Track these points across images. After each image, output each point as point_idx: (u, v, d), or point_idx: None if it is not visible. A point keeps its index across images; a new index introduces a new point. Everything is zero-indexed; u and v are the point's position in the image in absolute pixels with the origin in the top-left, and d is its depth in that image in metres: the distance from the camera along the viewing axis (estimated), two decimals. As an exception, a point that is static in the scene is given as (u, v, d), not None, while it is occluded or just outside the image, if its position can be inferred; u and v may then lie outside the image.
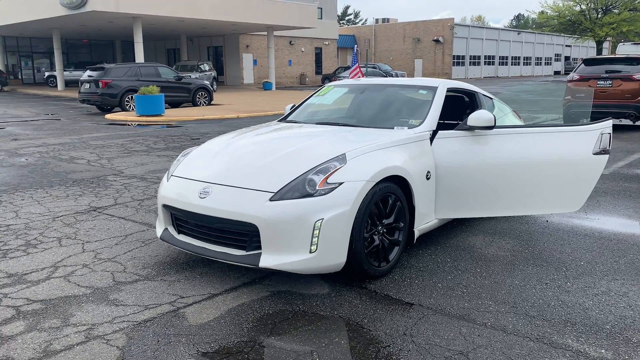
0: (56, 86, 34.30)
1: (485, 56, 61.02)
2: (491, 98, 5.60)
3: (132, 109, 18.46)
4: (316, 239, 3.44)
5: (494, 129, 4.34)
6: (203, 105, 21.05)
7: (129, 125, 15.43)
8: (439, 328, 3.17)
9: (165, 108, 19.06)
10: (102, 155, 9.80)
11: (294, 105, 5.67)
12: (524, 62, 68.56)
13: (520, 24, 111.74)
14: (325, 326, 3.20)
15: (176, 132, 13.52)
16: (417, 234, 4.23)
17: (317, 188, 3.53)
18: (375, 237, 3.82)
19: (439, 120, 5.50)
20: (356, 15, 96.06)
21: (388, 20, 62.22)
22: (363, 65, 29.29)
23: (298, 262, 3.46)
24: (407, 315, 3.33)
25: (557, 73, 72.42)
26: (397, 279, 3.89)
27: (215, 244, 3.78)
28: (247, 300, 3.56)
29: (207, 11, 27.40)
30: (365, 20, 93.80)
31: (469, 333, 3.11)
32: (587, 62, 13.15)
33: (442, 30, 54.79)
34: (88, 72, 19.40)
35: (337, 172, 3.62)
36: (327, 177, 3.58)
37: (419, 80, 5.15)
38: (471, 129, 4.35)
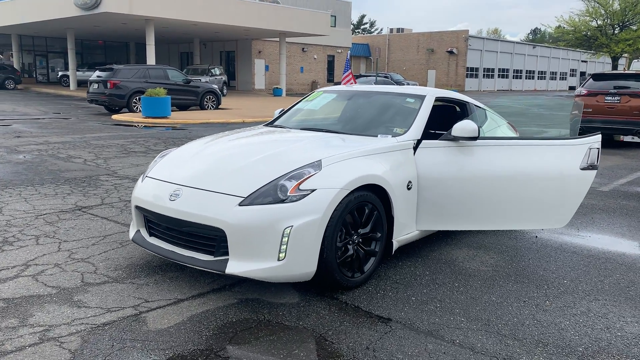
0: (69, 86, 34.59)
1: (499, 69, 60.73)
2: (484, 109, 5.48)
3: (139, 110, 18.51)
4: (285, 246, 3.34)
5: (479, 140, 4.22)
6: (211, 109, 21.07)
7: (135, 126, 15.44)
8: (404, 343, 3.05)
9: (173, 111, 19.13)
10: (99, 155, 9.78)
11: (282, 110, 5.60)
12: (538, 76, 68.14)
13: (537, 38, 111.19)
14: (287, 337, 3.10)
15: (179, 134, 13.50)
16: (395, 245, 4.11)
17: (288, 194, 3.43)
18: (350, 247, 3.72)
19: (429, 129, 5.43)
20: (372, 24, 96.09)
21: (403, 30, 62.19)
22: (373, 74, 29.20)
23: (265, 270, 3.36)
24: (374, 329, 3.21)
25: (572, 88, 71.83)
26: (370, 291, 3.78)
27: (185, 248, 3.69)
28: (212, 307, 3.47)
29: (220, 16, 27.52)
30: (381, 30, 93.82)
31: (434, 350, 2.99)
32: (596, 77, 12.97)
33: (456, 41, 54.64)
34: (97, 73, 19.50)
35: (311, 179, 3.52)
36: (299, 184, 3.48)
37: (407, 89, 5.05)
38: (455, 139, 4.24)
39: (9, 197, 6.33)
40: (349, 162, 3.76)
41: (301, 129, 4.83)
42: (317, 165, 3.64)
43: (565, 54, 71.56)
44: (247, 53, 39.57)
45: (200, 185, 3.67)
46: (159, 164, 4.23)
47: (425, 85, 54.73)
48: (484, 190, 4.20)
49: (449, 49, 54.81)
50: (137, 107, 18.85)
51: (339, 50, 45.19)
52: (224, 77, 31.08)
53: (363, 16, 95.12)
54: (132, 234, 4.13)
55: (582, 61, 75.14)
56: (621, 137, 14.29)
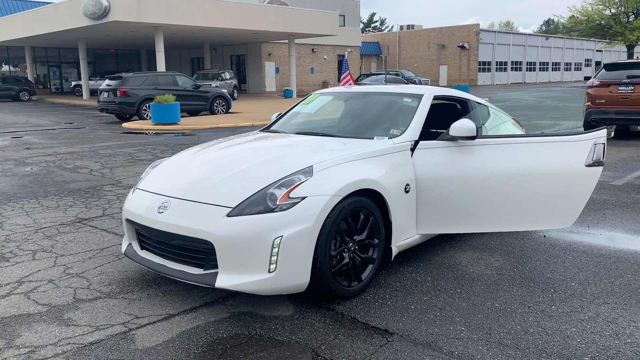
0: (82, 95, 34.90)
1: (512, 62, 60.04)
2: (487, 106, 5.31)
3: (150, 118, 18.54)
4: (275, 257, 3.22)
5: (477, 139, 4.06)
6: (221, 113, 21.06)
7: (146, 134, 15.45)
8: (399, 357, 2.91)
9: (184, 116, 19.15)
10: (106, 164, 9.76)
11: (279, 114, 5.49)
12: (552, 68, 67.26)
13: (550, 29, 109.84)
14: (278, 353, 2.98)
15: (188, 140, 13.47)
16: (395, 250, 3.97)
17: (277, 203, 3.31)
18: (345, 255, 3.59)
19: (430, 129, 5.29)
20: (382, 22, 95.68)
21: (413, 26, 61.79)
22: (382, 72, 28.97)
23: (256, 283, 3.25)
24: (369, 342, 3.08)
25: (587, 78, 70.46)
26: (368, 300, 3.64)
27: (175, 262, 3.59)
28: (203, 322, 3.36)
29: (228, 20, 27.53)
30: (392, 28, 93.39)
31: (431, 363, 2.85)
32: (608, 67, 12.65)
33: (467, 36, 54.12)
34: (107, 81, 19.60)
35: (301, 186, 3.40)
36: (289, 191, 3.36)
37: (404, 88, 4.91)
38: (453, 139, 4.09)
39: (12, 210, 6.31)
40: (341, 167, 3.63)
41: (296, 133, 4.72)
42: (308, 171, 3.52)
43: (579, 44, 70.53)
44: (257, 56, 39.59)
45: (188, 196, 3.57)
46: (149, 175, 4.15)
47: (437, 81, 54.35)
48: (484, 191, 4.05)
49: (460, 44, 54.31)
50: (147, 115, 18.89)
51: (349, 50, 45.00)
52: (234, 81, 31.10)
53: (373, 14, 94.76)
54: (124, 247, 4.05)
55: (597, 51, 74.01)
56: (639, 127, 13.95)
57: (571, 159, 4.04)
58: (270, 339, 3.14)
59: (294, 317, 3.40)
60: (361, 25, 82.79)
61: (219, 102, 21.13)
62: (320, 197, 3.36)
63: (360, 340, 3.10)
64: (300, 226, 3.26)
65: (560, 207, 4.08)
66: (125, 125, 17.80)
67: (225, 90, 22.43)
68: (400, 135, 4.23)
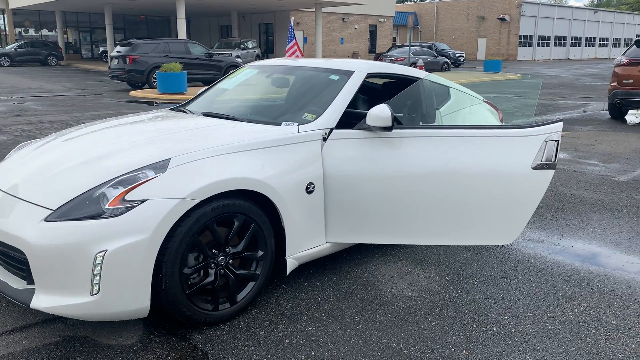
0: (108, 61, 34.78)
1: (555, 37, 57.11)
2: (447, 86, 4.45)
3: (158, 87, 18.06)
4: (98, 277, 2.54)
5: (396, 131, 3.25)
6: (234, 83, 20.38)
7: (155, 103, 14.94)
8: (222, 421, 2.22)
9: (198, 86, 18.57)
10: (78, 136, 9.24)
11: (206, 88, 4.75)
12: (599, 44, 63.77)
13: (602, 3, 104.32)
14: (76, 403, 2.32)
15: (182, 112, 12.86)
16: (292, 263, 3.24)
17: (107, 207, 2.62)
18: (211, 272, 2.89)
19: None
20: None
21: (453, -3, 59.34)
22: (416, 44, 27.67)
23: (76, 307, 2.58)
24: (200, 393, 2.39)
25: (638, 56, 66.78)
26: (240, 328, 2.94)
27: (5, 269, 2.95)
28: (20, 348, 2.73)
29: (251, -14, 26.66)
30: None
31: None
32: (640, 43, 11.34)
33: (508, 8, 51.57)
34: (117, 48, 19.14)
35: (145, 185, 2.69)
36: (126, 192, 2.66)
37: (335, 63, 4.06)
38: (370, 128, 3.29)
39: (-63, 187, 5.81)
40: (211, 161, 2.89)
41: (203, 114, 3.98)
42: (161, 166, 2.80)
43: (630, 19, 66.54)
44: (285, 25, 38.54)
45: (17, 191, 2.91)
46: (5, 160, 3.50)
47: (475, 55, 52.27)
48: (406, 195, 3.25)
49: (500, 16, 51.85)
50: (156, 83, 18.38)
51: (382, 20, 43.46)
52: (257, 51, 30.36)
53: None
54: (-27, 244, 3.43)
55: (651, 26, 69.79)
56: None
57: (514, 158, 3.19)
58: (83, 379, 2.48)
59: (132, 349, 2.74)
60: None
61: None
62: (164, 200, 2.64)
63: (190, 389, 2.42)
64: (132, 238, 2.56)
65: (499, 219, 3.25)
66: (132, 93, 17.34)
67: (240, 60, 21.71)
68: (313, 121, 3.45)
